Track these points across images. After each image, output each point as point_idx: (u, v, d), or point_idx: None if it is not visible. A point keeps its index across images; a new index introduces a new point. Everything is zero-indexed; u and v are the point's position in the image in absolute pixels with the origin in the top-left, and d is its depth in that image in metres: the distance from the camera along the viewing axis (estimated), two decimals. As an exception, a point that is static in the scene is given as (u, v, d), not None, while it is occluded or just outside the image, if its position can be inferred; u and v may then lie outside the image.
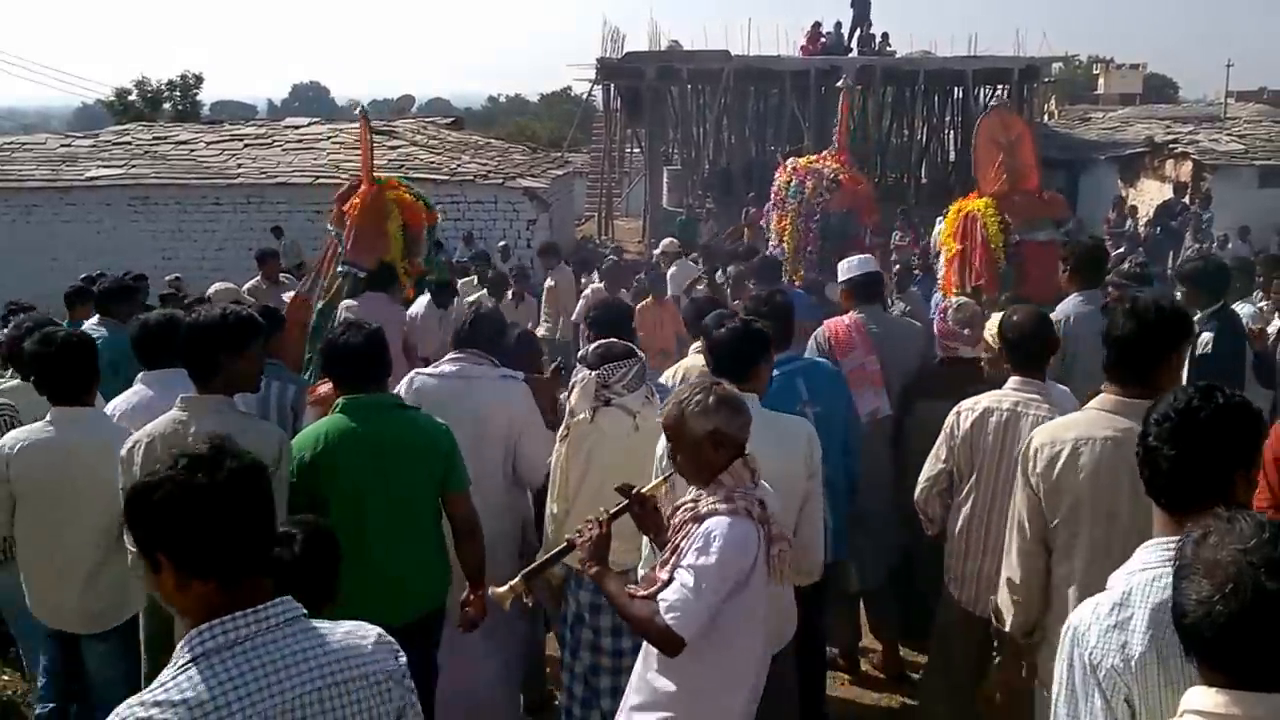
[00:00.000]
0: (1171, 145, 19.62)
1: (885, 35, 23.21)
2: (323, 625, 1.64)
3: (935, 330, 4.39)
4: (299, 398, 4.14)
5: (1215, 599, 1.38)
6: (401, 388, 3.85)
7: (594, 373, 3.33)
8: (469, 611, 3.34)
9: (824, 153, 8.65)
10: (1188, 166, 18.64)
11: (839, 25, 22.76)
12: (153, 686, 1.51)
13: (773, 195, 8.57)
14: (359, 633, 1.68)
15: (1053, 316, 4.06)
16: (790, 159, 8.88)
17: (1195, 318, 5.55)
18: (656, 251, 11.56)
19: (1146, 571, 1.79)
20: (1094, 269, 4.90)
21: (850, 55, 21.86)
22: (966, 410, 3.30)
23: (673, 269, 9.80)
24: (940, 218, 9.75)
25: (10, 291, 10.19)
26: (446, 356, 3.93)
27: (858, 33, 22.49)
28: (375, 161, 16.94)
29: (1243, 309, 5.73)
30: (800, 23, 23.39)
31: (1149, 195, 19.04)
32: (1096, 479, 2.59)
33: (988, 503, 3.25)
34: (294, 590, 2.15)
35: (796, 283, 7.57)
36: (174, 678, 1.49)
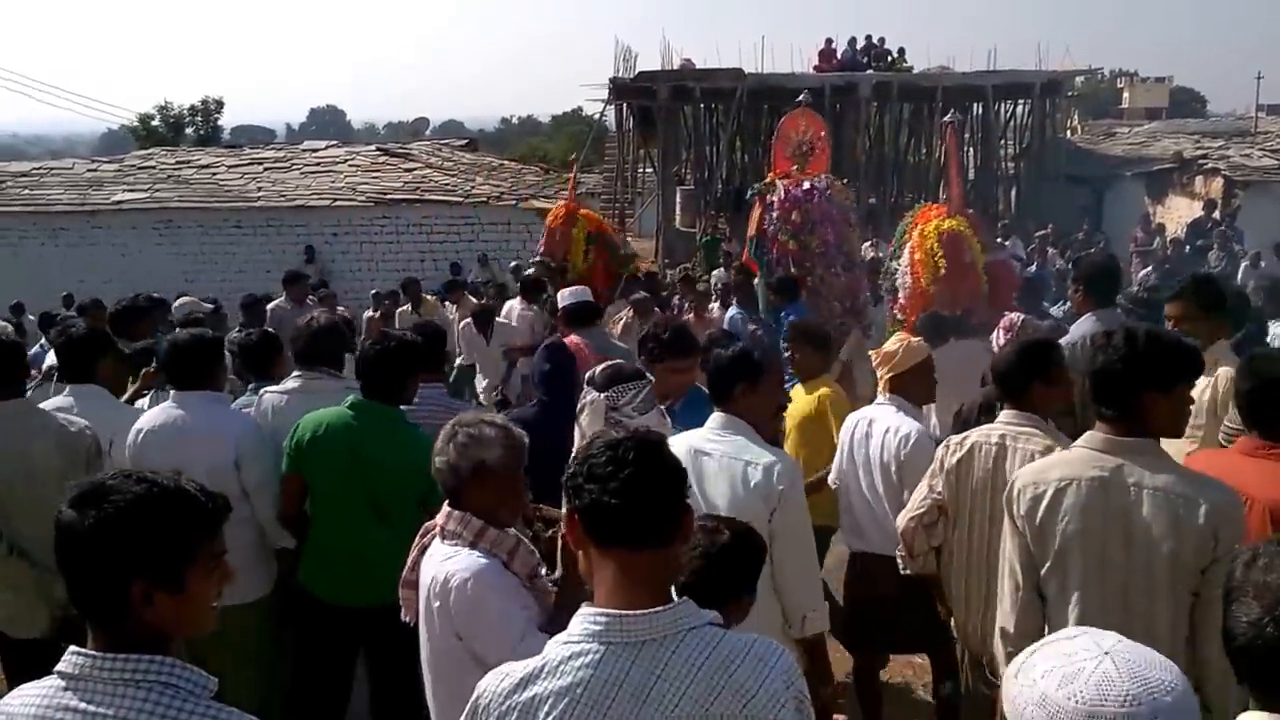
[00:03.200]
0: (1201, 161, 19.15)
1: (901, 50, 23.06)
2: None
3: (1002, 346, 4.38)
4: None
5: (1265, 621, 1.34)
6: (253, 406, 4.10)
7: (603, 395, 3.31)
8: None
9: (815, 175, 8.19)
10: (1218, 183, 18.19)
11: (853, 41, 22.70)
12: None
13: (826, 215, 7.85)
14: None
15: (1066, 340, 4.04)
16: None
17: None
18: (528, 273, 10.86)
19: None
20: (1106, 287, 4.67)
21: (867, 72, 21.76)
22: (955, 445, 3.17)
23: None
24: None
25: (40, 312, 10.50)
26: (291, 374, 4.14)
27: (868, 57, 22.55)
28: (392, 185, 17.21)
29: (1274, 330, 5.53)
30: (814, 40, 23.40)
31: (1178, 212, 18.63)
32: (1083, 522, 2.45)
33: (984, 543, 3.09)
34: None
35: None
36: None
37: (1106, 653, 1.31)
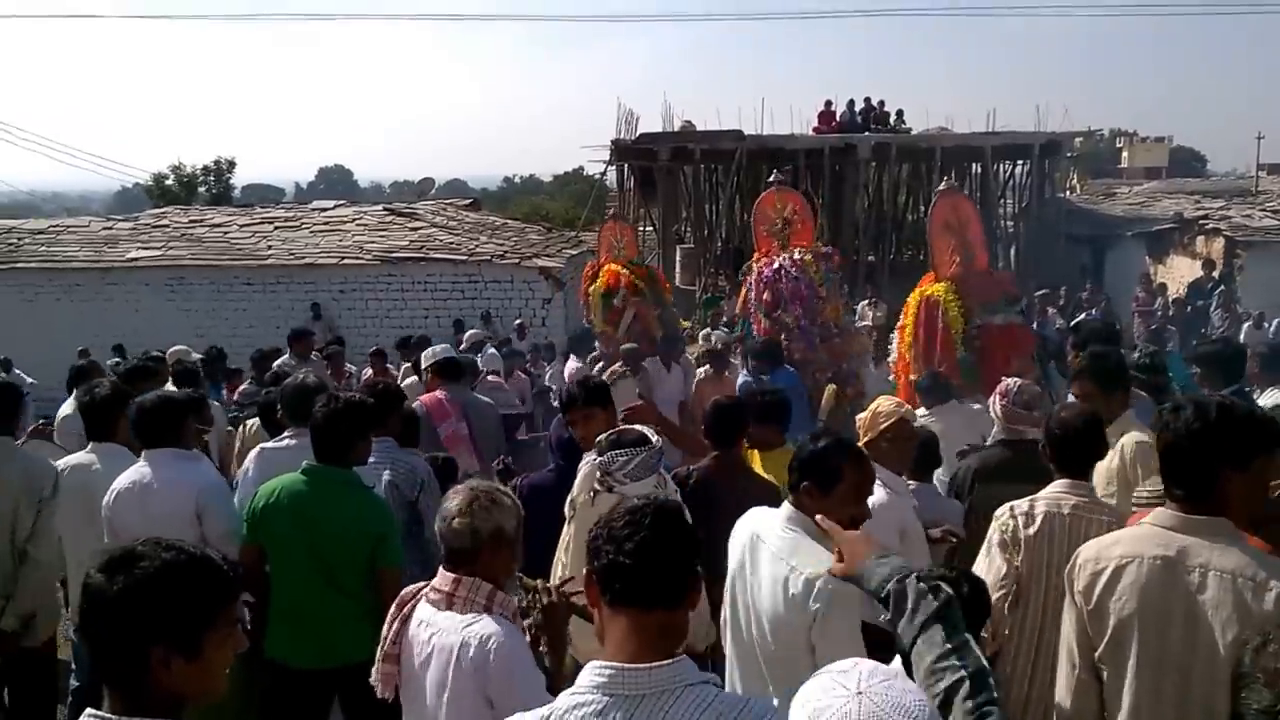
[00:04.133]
0: (1202, 221, 19.26)
1: (900, 112, 23.34)
2: None
3: (996, 412, 4.40)
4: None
5: (1277, 709, 1.34)
6: (250, 459, 4.31)
7: (597, 459, 3.34)
8: None
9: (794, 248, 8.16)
10: (1219, 243, 18.26)
11: (851, 103, 23.01)
12: None
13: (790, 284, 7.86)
14: None
15: None
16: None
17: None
18: (463, 341, 11.04)
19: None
20: None
21: (865, 133, 22.05)
22: (1023, 515, 2.98)
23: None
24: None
25: (55, 367, 10.75)
26: (286, 432, 4.34)
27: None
28: (398, 243, 17.44)
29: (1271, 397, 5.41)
30: (814, 102, 23.77)
31: (1179, 272, 18.72)
32: (1141, 601, 2.31)
33: (1054, 619, 2.87)
34: None
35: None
36: None
37: (859, 693, 1.37)
